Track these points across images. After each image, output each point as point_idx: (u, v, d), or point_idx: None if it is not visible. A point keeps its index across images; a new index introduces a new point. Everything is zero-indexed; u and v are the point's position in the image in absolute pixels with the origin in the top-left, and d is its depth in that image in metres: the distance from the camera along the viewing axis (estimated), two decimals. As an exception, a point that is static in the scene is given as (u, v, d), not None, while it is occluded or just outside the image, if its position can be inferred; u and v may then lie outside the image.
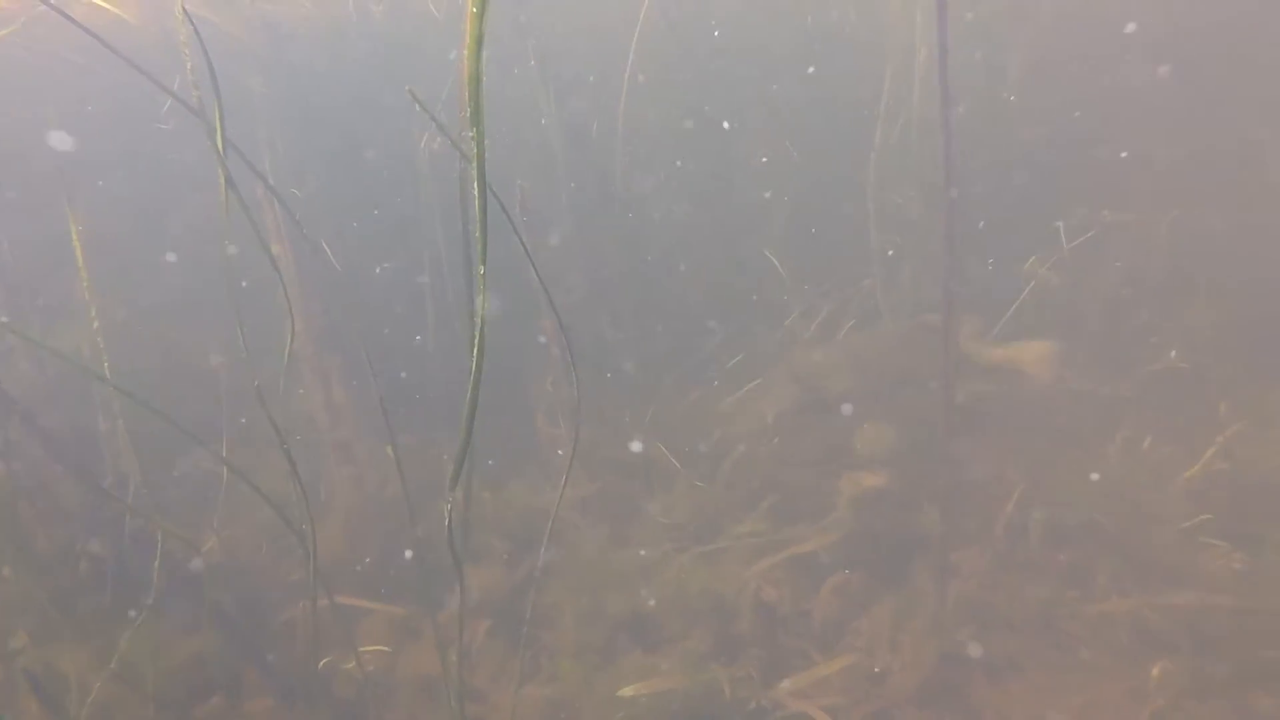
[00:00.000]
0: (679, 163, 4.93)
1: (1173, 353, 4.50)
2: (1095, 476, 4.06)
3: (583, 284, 4.49)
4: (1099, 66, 5.02)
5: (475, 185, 1.25)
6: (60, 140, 3.75)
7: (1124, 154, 4.80)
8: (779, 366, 4.64)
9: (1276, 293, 4.70)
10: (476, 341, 1.43)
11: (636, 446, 4.02)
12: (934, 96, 4.84)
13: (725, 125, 4.73)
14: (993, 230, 4.68)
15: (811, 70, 4.87)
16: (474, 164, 1.23)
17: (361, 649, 3.76)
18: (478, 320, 1.41)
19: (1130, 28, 4.66)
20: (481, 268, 1.34)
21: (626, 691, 3.30)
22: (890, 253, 4.45)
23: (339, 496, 4.19)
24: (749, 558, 3.65)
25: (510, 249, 4.39)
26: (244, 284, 3.45)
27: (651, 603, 3.56)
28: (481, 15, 1.10)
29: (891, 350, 4.18)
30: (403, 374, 4.50)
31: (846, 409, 4.03)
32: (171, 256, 4.73)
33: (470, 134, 1.23)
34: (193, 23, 2.18)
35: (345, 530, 4.18)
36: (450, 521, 1.82)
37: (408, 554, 3.79)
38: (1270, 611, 3.40)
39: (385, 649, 3.72)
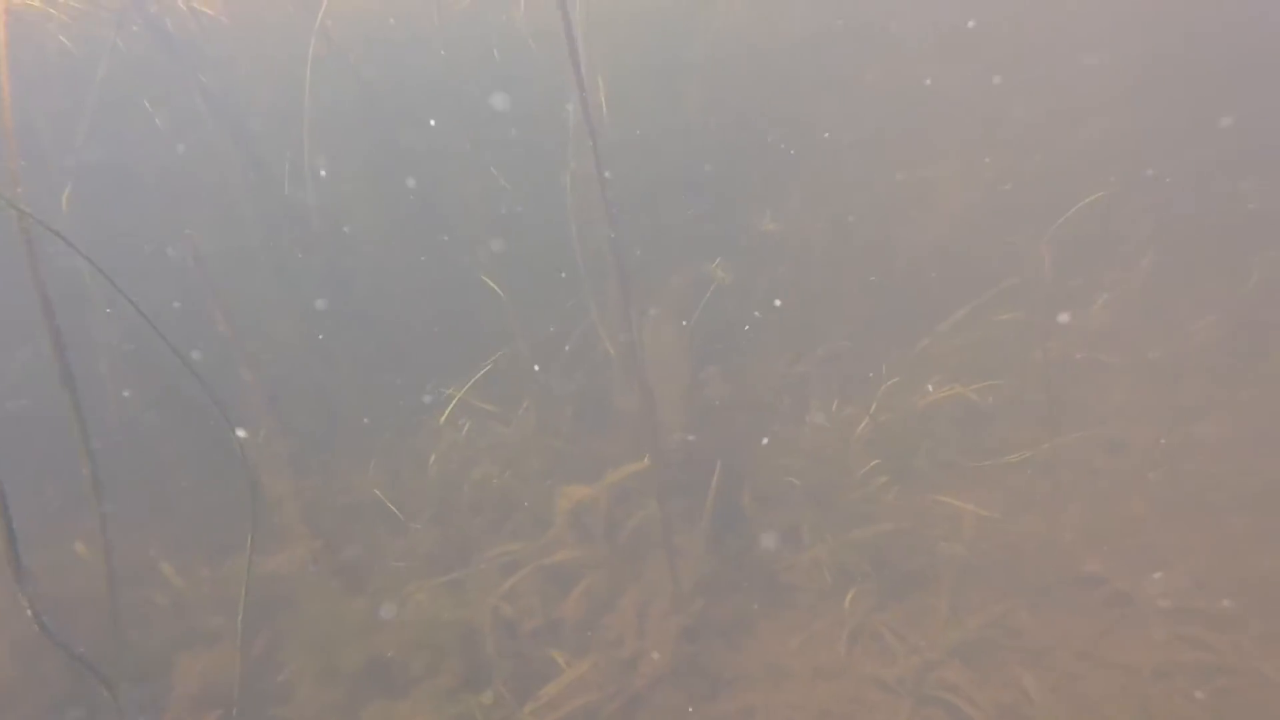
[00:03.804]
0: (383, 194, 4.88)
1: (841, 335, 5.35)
2: (799, 444, 4.72)
3: (289, 329, 4.26)
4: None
5: None
6: None
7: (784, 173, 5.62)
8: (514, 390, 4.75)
9: (914, 279, 5.76)
10: None
11: (366, 493, 3.88)
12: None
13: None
14: (685, 237, 5.21)
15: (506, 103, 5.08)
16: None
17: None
18: None
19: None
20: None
21: (370, 745, 3.18)
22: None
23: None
24: (489, 582, 3.69)
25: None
26: None
27: (391, 649, 3.45)
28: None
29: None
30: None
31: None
32: None
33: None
34: None
35: (12, 655, 3.56)
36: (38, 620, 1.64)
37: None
38: (913, 529, 4.14)
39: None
